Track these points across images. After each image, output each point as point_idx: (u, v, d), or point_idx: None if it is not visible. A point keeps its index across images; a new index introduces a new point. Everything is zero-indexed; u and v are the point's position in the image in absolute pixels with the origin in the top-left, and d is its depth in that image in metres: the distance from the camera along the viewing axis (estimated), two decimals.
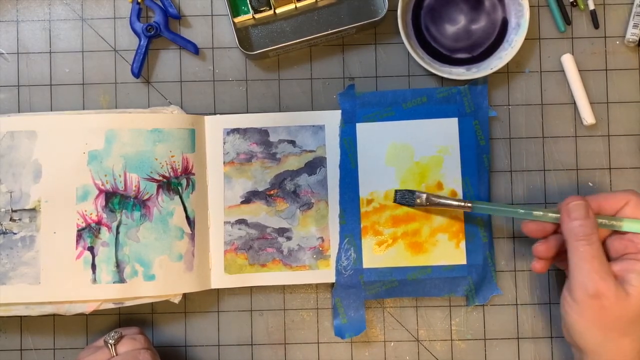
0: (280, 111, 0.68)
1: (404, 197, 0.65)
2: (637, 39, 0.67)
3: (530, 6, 0.64)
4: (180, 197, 0.64)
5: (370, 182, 0.66)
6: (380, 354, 0.67)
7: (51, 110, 0.67)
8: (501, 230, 0.67)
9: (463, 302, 0.67)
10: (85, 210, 0.63)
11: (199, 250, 0.64)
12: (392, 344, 0.67)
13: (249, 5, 0.65)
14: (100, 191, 0.63)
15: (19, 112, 0.67)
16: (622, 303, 0.55)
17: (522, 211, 0.60)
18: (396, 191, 0.65)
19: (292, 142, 0.66)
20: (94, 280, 0.62)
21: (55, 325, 0.66)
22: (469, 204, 0.62)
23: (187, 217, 0.64)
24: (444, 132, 0.66)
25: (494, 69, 0.65)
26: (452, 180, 0.66)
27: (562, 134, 0.68)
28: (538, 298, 0.67)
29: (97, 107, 0.67)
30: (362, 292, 0.65)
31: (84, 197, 0.63)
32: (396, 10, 0.65)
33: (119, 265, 0.63)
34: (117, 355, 0.58)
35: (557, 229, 0.60)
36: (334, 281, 0.65)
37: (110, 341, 0.58)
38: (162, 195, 0.64)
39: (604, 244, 0.59)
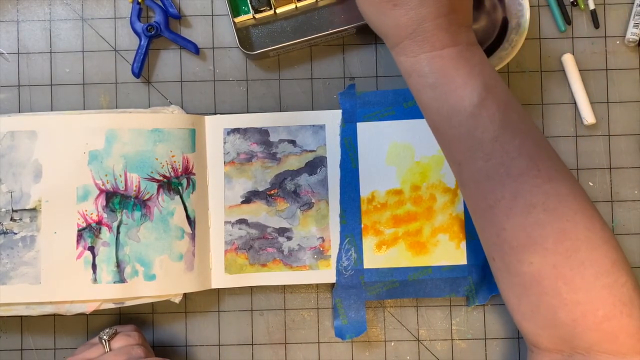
0: (280, 111, 0.68)
1: None
2: (638, 38, 0.67)
3: (530, 6, 0.64)
4: (181, 197, 0.64)
5: (371, 182, 0.66)
6: (380, 354, 0.67)
7: (51, 110, 0.67)
8: None
9: (463, 302, 0.67)
10: (86, 210, 0.63)
11: (199, 250, 0.64)
12: (393, 343, 0.67)
13: (250, 5, 0.65)
14: (101, 191, 0.63)
15: (19, 112, 0.67)
16: None
17: None
18: None
19: (293, 142, 0.66)
20: (95, 280, 0.62)
21: (55, 325, 0.66)
22: None
23: (188, 217, 0.64)
24: None
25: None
26: (453, 180, 0.66)
27: (562, 134, 0.68)
28: None
29: (98, 107, 0.67)
30: (362, 292, 0.65)
31: (85, 197, 0.63)
32: None
33: (119, 265, 0.62)
34: (110, 350, 0.58)
35: None
36: (334, 281, 0.65)
37: (105, 337, 0.59)
38: (162, 195, 0.64)
39: None
